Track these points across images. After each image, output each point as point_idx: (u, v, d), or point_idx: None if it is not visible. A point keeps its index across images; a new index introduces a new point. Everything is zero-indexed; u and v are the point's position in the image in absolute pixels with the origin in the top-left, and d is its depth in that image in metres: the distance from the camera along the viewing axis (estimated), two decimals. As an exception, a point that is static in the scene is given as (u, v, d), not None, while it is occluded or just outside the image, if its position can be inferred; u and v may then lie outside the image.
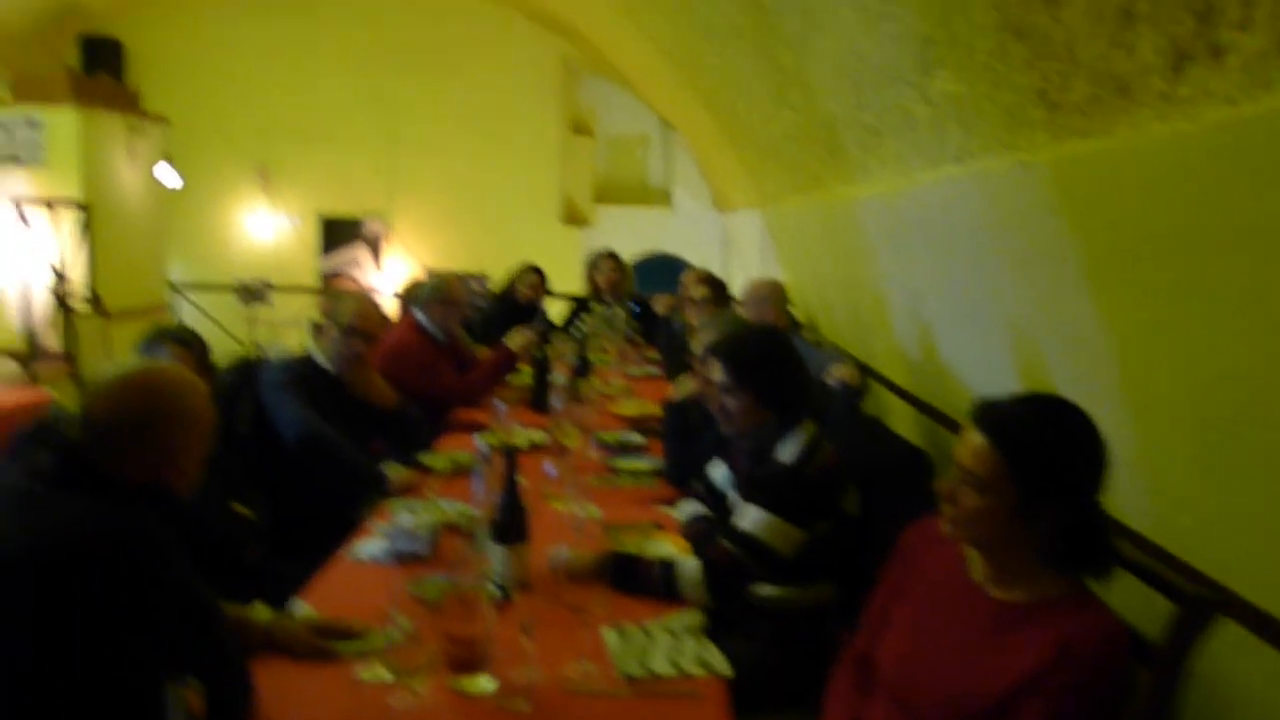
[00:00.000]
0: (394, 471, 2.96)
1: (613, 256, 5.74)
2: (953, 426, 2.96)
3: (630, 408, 3.86)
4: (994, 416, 1.52)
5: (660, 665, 1.77)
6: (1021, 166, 2.10)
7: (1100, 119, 1.71)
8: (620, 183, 10.04)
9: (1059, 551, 1.50)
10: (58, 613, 1.35)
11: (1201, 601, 1.41)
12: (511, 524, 2.06)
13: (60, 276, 6.20)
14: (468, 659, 1.67)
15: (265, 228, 9.36)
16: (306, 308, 8.53)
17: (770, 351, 2.32)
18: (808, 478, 2.17)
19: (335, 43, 9.05)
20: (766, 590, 2.22)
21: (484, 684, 1.67)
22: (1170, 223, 1.65)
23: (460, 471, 3.03)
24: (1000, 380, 2.63)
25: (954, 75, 2.24)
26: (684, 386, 3.06)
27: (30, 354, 5.90)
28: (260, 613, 1.83)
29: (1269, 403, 1.55)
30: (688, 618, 2.00)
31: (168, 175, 7.68)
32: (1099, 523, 1.51)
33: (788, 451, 2.21)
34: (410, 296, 4.26)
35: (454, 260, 8.62)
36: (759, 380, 2.25)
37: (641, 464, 3.14)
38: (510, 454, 2.11)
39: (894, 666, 1.65)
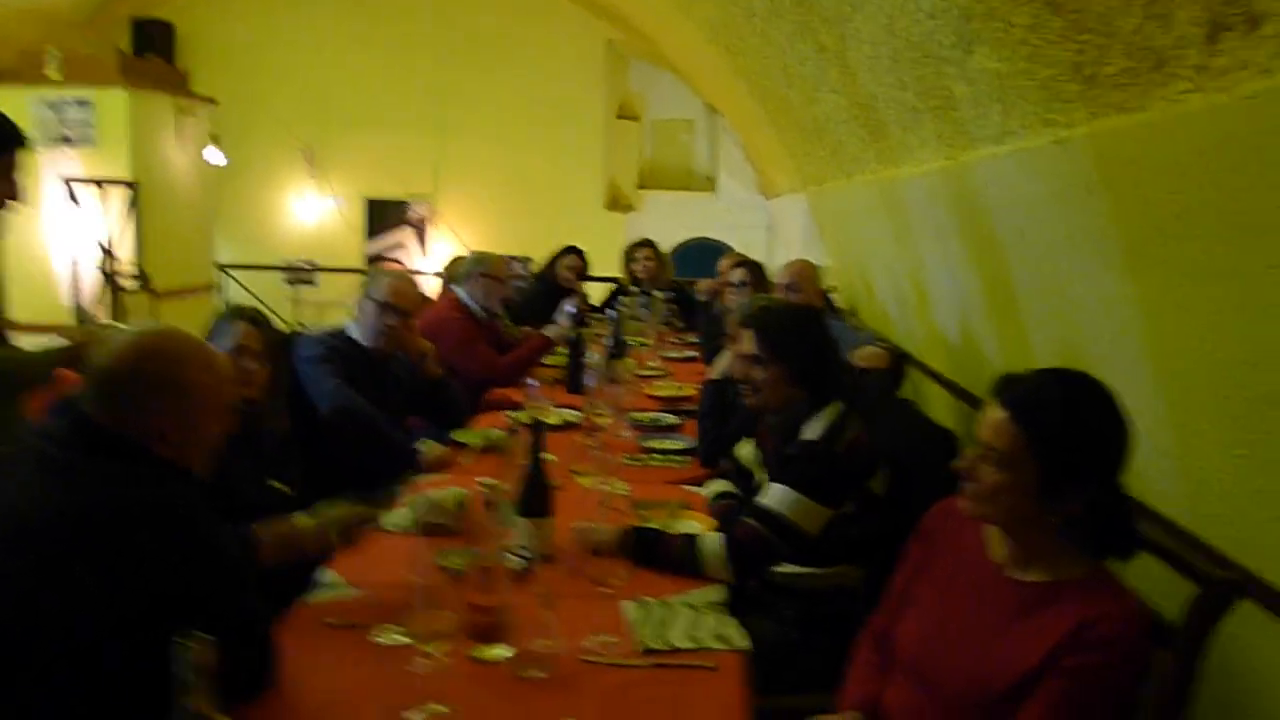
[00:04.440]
0: (427, 447, 2.99)
1: (649, 245, 5.74)
2: (988, 411, 2.93)
3: (665, 389, 3.86)
4: (1014, 390, 1.50)
5: (678, 638, 1.77)
6: (1059, 144, 2.05)
7: (1136, 93, 1.67)
8: (665, 168, 10.02)
9: (1080, 531, 1.48)
10: (80, 577, 1.38)
11: (1223, 583, 1.37)
12: (535, 497, 2.08)
13: (109, 254, 6.33)
14: (487, 628, 1.69)
15: (311, 210, 9.49)
16: (352, 289, 8.63)
17: (804, 327, 2.31)
18: (834, 456, 2.15)
19: (382, 27, 9.12)
20: (790, 569, 2.21)
21: (502, 653, 1.68)
22: (1204, 199, 1.61)
23: (493, 448, 3.05)
24: (1038, 365, 2.58)
25: (992, 51, 2.19)
26: (721, 364, 3.06)
27: (79, 330, 6.06)
28: (301, 520, 1.97)
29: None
30: (709, 593, 2.00)
31: (214, 155, 7.82)
32: (1122, 502, 1.48)
33: (815, 429, 2.20)
34: (452, 273, 4.30)
35: (498, 244, 8.60)
36: (791, 354, 2.24)
37: (674, 443, 3.15)
38: (536, 429, 2.12)
39: (914, 647, 1.64)
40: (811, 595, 2.22)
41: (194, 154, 7.50)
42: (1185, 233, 1.71)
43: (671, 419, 3.46)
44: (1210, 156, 1.53)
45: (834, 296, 5.86)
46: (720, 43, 5.58)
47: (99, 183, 6.43)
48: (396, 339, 3.19)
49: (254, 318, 2.53)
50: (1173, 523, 2.00)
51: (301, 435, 3.00)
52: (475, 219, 9.43)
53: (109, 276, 6.24)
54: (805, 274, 3.87)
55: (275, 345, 2.57)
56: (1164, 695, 1.38)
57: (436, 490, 2.41)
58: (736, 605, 2.23)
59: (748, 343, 2.27)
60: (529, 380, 3.28)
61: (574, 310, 4.20)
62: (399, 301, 3.16)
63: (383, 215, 9.61)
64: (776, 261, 8.37)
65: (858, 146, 4.03)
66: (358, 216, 9.56)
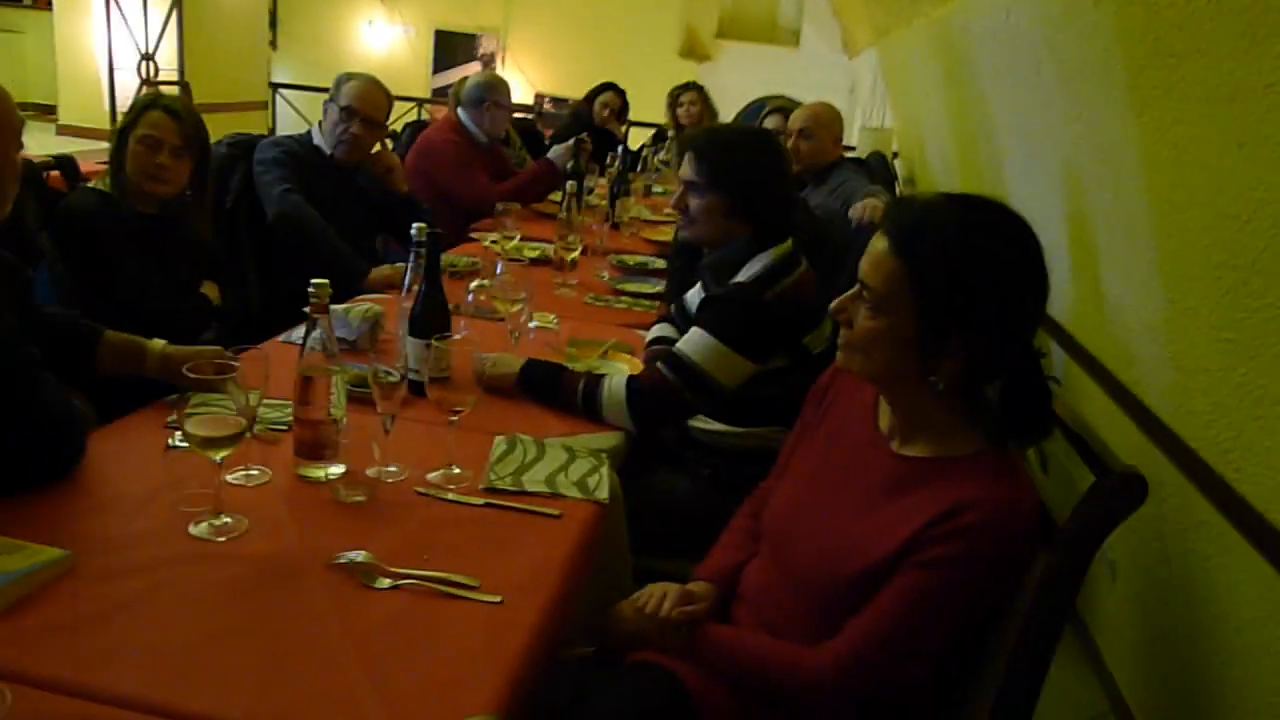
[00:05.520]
0: (381, 268, 2.81)
1: (695, 88, 5.37)
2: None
3: (663, 234, 3.59)
4: (903, 216, 1.20)
5: (531, 481, 1.57)
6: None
7: None
8: (747, 18, 9.39)
9: (968, 401, 1.20)
10: None
11: (1124, 477, 1.09)
12: (426, 317, 1.87)
13: (148, 58, 6.13)
14: (312, 444, 1.51)
15: (380, 38, 9.20)
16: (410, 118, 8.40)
17: (752, 154, 1.98)
18: (763, 303, 1.87)
19: None
20: (708, 425, 1.99)
21: (326, 472, 1.51)
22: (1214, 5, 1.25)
23: (458, 274, 2.86)
24: (1053, 227, 2.22)
25: None
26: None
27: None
28: (156, 344, 1.75)
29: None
30: (598, 439, 1.79)
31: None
32: (1029, 371, 1.19)
33: (750, 271, 1.92)
34: (456, 94, 4.03)
35: (565, 85, 8.29)
36: (732, 182, 1.93)
37: (648, 287, 2.91)
38: (434, 242, 1.90)
39: (777, 518, 1.40)
40: (732, 455, 1.99)
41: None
42: (1194, 49, 1.35)
43: (660, 264, 3.20)
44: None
45: (895, 163, 5.44)
46: None
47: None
48: (360, 148, 2.97)
49: (171, 108, 2.32)
50: (1158, 419, 1.70)
51: (251, 239, 2.86)
52: (544, 58, 9.04)
53: (147, 83, 6.07)
54: (821, 118, 3.48)
55: (199, 141, 2.36)
56: (1039, 599, 1.12)
57: (348, 305, 2.23)
58: (651, 457, 2.03)
59: (688, 167, 1.97)
60: (498, 205, 3.04)
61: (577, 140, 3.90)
62: (364, 108, 2.92)
63: (451, 48, 9.28)
64: (854, 126, 7.84)
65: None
66: (426, 47, 9.24)
